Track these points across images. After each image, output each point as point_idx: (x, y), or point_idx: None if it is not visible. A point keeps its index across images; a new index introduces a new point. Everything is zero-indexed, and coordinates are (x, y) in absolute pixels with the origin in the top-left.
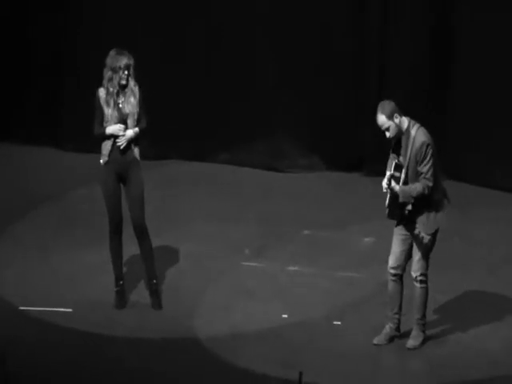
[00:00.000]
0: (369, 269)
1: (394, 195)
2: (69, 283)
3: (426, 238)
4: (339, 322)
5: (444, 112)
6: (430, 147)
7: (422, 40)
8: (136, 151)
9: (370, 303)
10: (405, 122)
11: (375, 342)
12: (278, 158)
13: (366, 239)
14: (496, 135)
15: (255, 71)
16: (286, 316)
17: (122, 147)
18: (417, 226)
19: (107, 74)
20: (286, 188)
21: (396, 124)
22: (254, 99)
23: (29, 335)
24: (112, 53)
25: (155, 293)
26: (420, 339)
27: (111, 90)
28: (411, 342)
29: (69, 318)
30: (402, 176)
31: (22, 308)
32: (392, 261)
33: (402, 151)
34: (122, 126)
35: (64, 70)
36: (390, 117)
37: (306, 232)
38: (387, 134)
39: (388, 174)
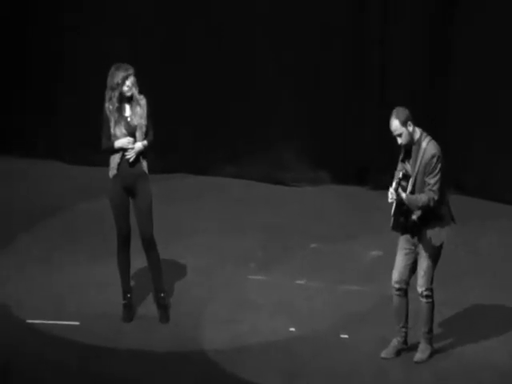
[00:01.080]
0: (375, 282)
1: (400, 204)
2: (75, 296)
3: (431, 252)
4: (346, 335)
5: (444, 116)
6: (439, 160)
7: (422, 41)
8: (144, 164)
9: (377, 316)
10: (417, 132)
11: (383, 355)
12: (284, 172)
13: (373, 252)
14: (497, 142)
15: (261, 84)
16: (293, 329)
17: (131, 160)
18: (422, 239)
19: (107, 94)
20: (292, 201)
21: (409, 132)
22: (259, 113)
23: (35, 348)
24: (110, 71)
25: (163, 307)
26: (427, 352)
27: (111, 107)
28: (419, 356)
29: (76, 331)
30: (409, 187)
31: (28, 321)
32: (396, 275)
33: (412, 161)
34: (131, 139)
35: (64, 82)
36: (404, 123)
37: (312, 245)
38: (399, 141)
39: (396, 180)
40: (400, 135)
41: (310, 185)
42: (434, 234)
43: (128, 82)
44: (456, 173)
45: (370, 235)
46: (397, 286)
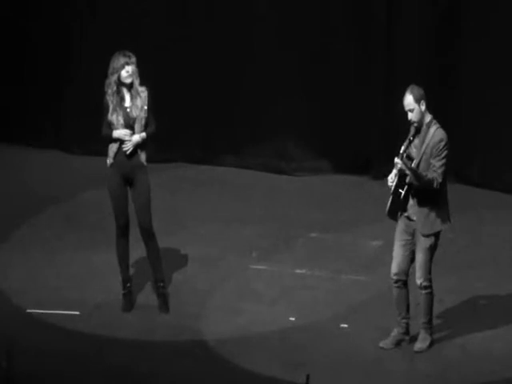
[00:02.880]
0: (376, 272)
1: (401, 182)
2: (75, 285)
3: (428, 243)
4: (346, 325)
5: (451, 112)
6: (446, 146)
7: (429, 34)
8: (142, 156)
9: (378, 306)
10: (428, 115)
11: (381, 345)
12: (286, 161)
13: (374, 242)
14: (505, 136)
15: (262, 74)
16: (293, 319)
17: (127, 152)
18: (418, 229)
19: (107, 80)
20: (294, 191)
21: (421, 110)
22: (261, 102)
23: (35, 337)
24: (112, 57)
25: (162, 296)
26: (427, 342)
27: (109, 91)
28: (418, 345)
29: (76, 321)
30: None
31: (29, 310)
32: (394, 267)
33: (418, 143)
34: (128, 132)
35: (69, 72)
36: (418, 100)
37: (313, 235)
38: (409, 116)
39: (400, 155)
40: (412, 110)
41: (312, 174)
42: (428, 220)
43: (128, 68)
44: (458, 163)
45: (372, 225)
46: (395, 277)
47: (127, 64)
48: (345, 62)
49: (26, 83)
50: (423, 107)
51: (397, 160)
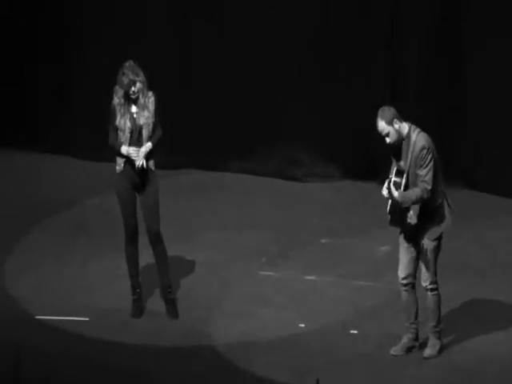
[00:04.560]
0: (385, 277)
1: (395, 201)
2: (85, 291)
3: (431, 245)
4: (356, 331)
5: (457, 112)
6: (429, 151)
7: (434, 39)
8: (150, 162)
9: (387, 312)
10: (405, 127)
11: (393, 352)
12: (294, 167)
13: (382, 248)
14: (509, 138)
15: (270, 81)
16: (303, 325)
17: (139, 166)
18: (420, 234)
19: (115, 89)
20: (302, 197)
21: (396, 129)
22: (270, 108)
23: (44, 343)
24: (122, 68)
25: (171, 301)
26: (437, 348)
27: (117, 101)
28: (428, 351)
29: (85, 327)
30: (403, 181)
31: (38, 317)
32: (401, 271)
33: (403, 156)
34: (135, 150)
35: (76, 78)
36: (390, 122)
37: (322, 241)
38: (387, 140)
39: (387, 179)
40: (388, 135)
41: (321, 180)
42: (431, 229)
43: (134, 88)
44: (468, 168)
45: (380, 230)
46: (404, 281)
47: (134, 84)
48: (354, 69)
49: (34, 88)
50: (397, 125)
51: (383, 191)
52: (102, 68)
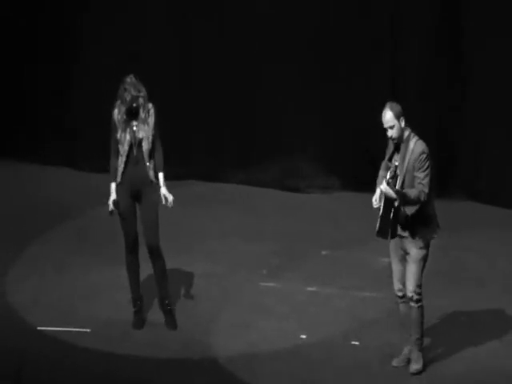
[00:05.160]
0: (386, 288)
1: (387, 205)
2: (86, 302)
3: (418, 255)
4: (357, 342)
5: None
6: (428, 158)
7: (433, 46)
8: (151, 173)
9: (388, 323)
10: (407, 130)
11: (394, 364)
12: (295, 179)
13: (384, 259)
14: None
15: (272, 90)
16: (304, 337)
17: (171, 202)
18: (407, 243)
19: (116, 103)
20: (303, 208)
21: (400, 126)
22: (271, 120)
23: (46, 354)
24: (124, 83)
25: (169, 312)
26: (421, 361)
27: (119, 117)
28: (414, 367)
29: (86, 338)
30: (397, 186)
31: (39, 328)
32: (396, 283)
33: (400, 159)
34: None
35: (79, 88)
36: (398, 117)
37: (323, 252)
38: (389, 133)
39: (385, 178)
40: (392, 127)
41: (322, 192)
42: (419, 235)
43: (135, 104)
44: (469, 179)
45: (381, 242)
46: (400, 293)
47: (136, 101)
48: (354, 69)
49: (34, 100)
50: (403, 123)
51: (382, 187)
52: (102, 68)
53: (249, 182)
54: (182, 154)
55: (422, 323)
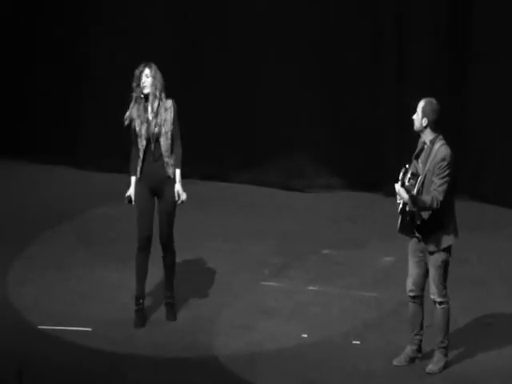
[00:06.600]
0: (388, 288)
1: (405, 205)
2: (87, 301)
3: (440, 258)
4: (358, 342)
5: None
6: (449, 165)
7: (439, 51)
8: (170, 169)
9: (390, 323)
10: (433, 133)
11: (395, 362)
12: (298, 178)
13: (386, 259)
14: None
15: (275, 91)
16: (305, 336)
17: (184, 200)
18: (427, 248)
19: (133, 85)
20: (306, 207)
21: (421, 123)
22: (274, 119)
23: (47, 354)
24: (137, 70)
25: (170, 304)
26: (441, 364)
27: (135, 95)
28: (431, 367)
29: (88, 337)
30: (417, 185)
31: (41, 327)
32: (410, 284)
33: (423, 159)
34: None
35: (83, 89)
36: (423, 112)
37: (325, 251)
38: (414, 116)
39: (401, 177)
40: (417, 114)
41: (325, 191)
42: (436, 240)
43: (146, 78)
44: (471, 180)
45: (384, 241)
46: (412, 294)
47: (145, 74)
48: (354, 69)
49: (36, 99)
50: (424, 123)
51: (396, 187)
52: (102, 68)
53: (251, 182)
54: (183, 153)
55: (447, 326)
